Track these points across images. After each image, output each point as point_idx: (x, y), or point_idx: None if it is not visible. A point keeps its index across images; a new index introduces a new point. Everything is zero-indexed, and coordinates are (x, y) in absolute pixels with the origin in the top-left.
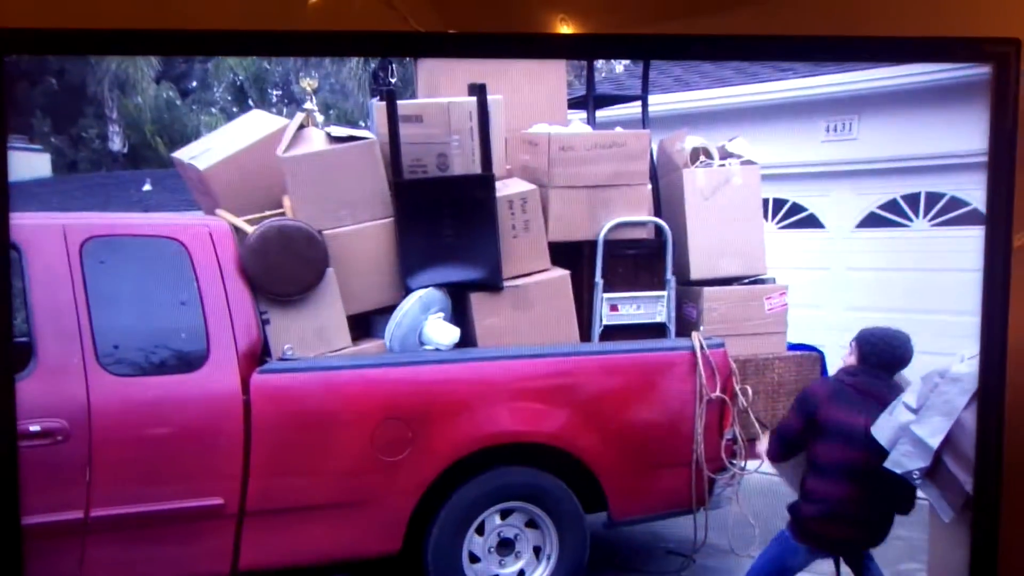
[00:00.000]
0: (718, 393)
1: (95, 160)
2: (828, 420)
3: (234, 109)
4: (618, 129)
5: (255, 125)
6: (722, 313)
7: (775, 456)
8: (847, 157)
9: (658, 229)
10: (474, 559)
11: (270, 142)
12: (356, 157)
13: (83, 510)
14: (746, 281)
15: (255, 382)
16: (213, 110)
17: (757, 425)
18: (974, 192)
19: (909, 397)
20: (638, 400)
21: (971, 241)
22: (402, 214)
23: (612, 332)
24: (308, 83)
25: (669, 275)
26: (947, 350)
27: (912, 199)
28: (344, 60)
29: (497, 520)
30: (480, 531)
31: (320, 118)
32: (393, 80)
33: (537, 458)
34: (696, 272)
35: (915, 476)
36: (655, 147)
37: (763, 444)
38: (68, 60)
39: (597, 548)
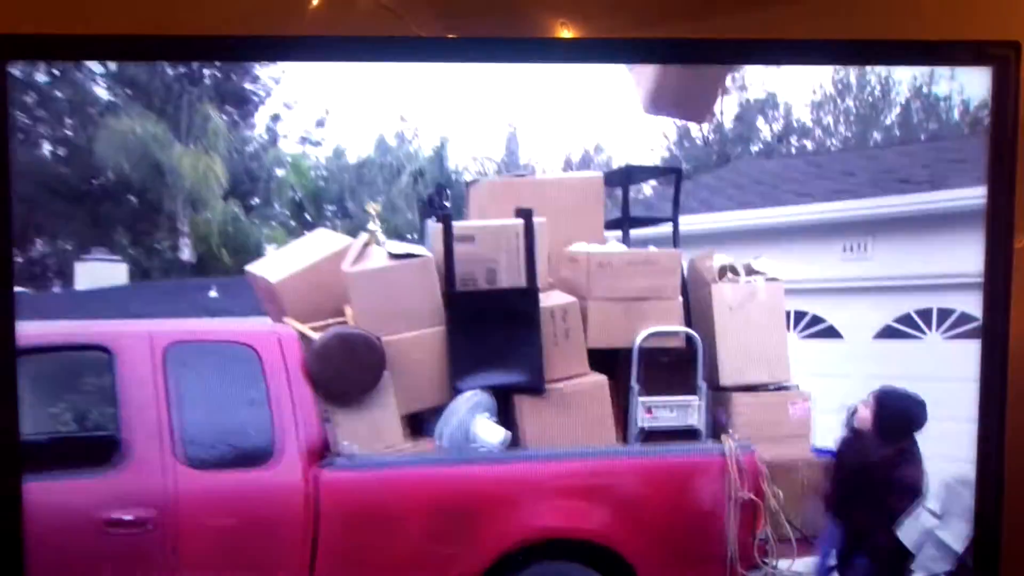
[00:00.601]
0: (749, 494)
1: (166, 268)
2: None
3: (292, 223)
4: (651, 248)
5: (320, 243)
6: (750, 418)
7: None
8: (864, 275)
9: (689, 338)
10: None
11: (334, 259)
12: (413, 273)
13: None
14: (772, 388)
15: (317, 477)
16: (273, 223)
17: (787, 526)
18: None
19: (932, 503)
20: (674, 499)
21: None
22: (453, 322)
23: (648, 434)
24: (373, 207)
25: (700, 381)
26: (961, 455)
27: (925, 314)
28: (395, 181)
29: None
30: None
31: (383, 238)
32: (448, 203)
33: (578, 552)
34: (725, 379)
35: None
36: (685, 264)
37: None
38: (148, 181)
39: None
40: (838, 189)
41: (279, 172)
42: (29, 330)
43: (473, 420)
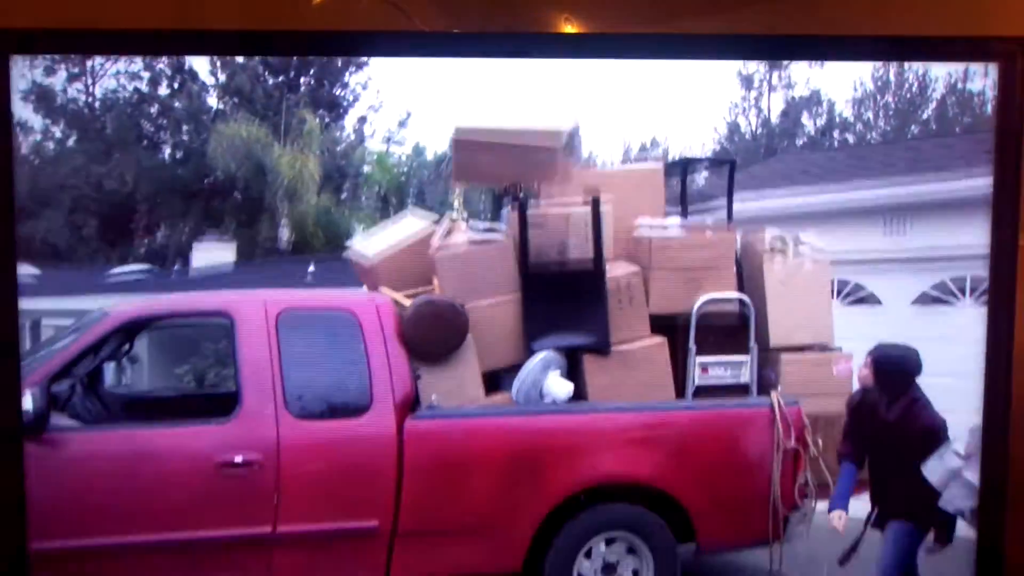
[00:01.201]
0: (793, 443)
1: (268, 250)
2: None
3: (377, 215)
4: (708, 221)
5: (411, 225)
6: (796, 376)
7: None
8: (902, 247)
9: (742, 304)
10: None
11: (423, 240)
12: (492, 256)
13: (272, 526)
14: (816, 349)
15: (408, 427)
16: (361, 215)
17: (826, 471)
18: None
19: (958, 445)
20: (725, 448)
21: None
22: (528, 291)
23: (703, 391)
24: (456, 195)
25: (752, 343)
26: None
27: (959, 281)
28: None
29: (602, 547)
30: (588, 556)
31: (464, 222)
32: (521, 191)
33: (637, 495)
34: (775, 340)
35: (966, 515)
36: (739, 238)
37: None
38: (251, 179)
39: (686, 573)
40: (880, 177)
41: (366, 168)
42: (164, 301)
43: (545, 377)
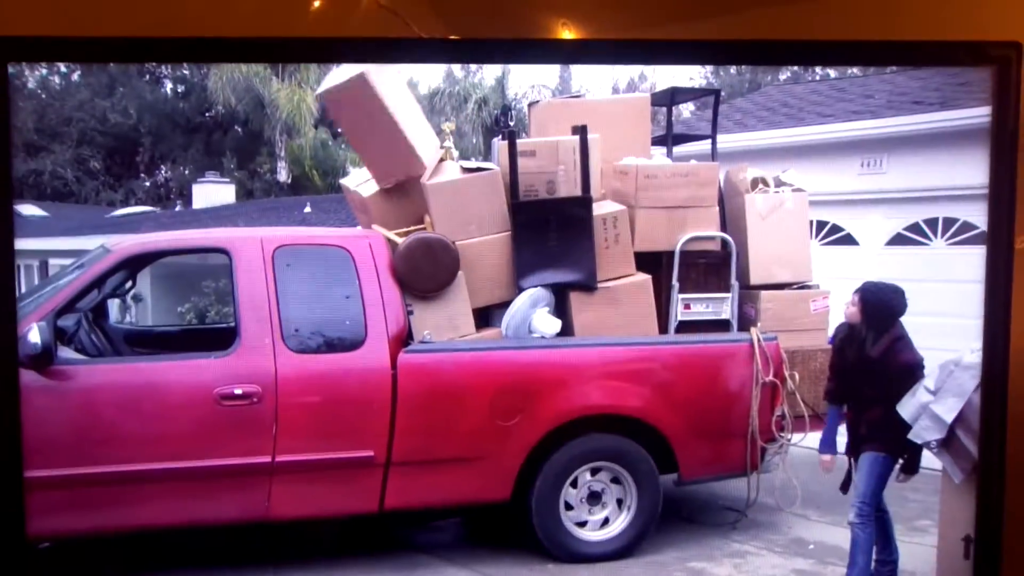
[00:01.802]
0: (771, 378)
1: (267, 189)
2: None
3: None
4: (692, 162)
5: None
6: (775, 312)
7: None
8: (878, 187)
9: (724, 242)
10: (568, 507)
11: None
12: (483, 184)
13: (271, 456)
14: (795, 286)
15: (401, 360)
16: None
17: (802, 404)
18: (983, 218)
19: (929, 381)
20: (705, 382)
21: (980, 258)
22: (517, 228)
23: (685, 326)
24: (447, 125)
25: (733, 280)
26: (960, 346)
27: (932, 223)
28: (463, 109)
29: (588, 476)
30: (574, 485)
31: (456, 153)
32: (512, 123)
33: (622, 427)
34: (755, 278)
35: (932, 446)
36: (722, 176)
37: None
38: (251, 113)
39: (667, 502)
40: (857, 110)
41: None
42: (164, 237)
43: (534, 313)
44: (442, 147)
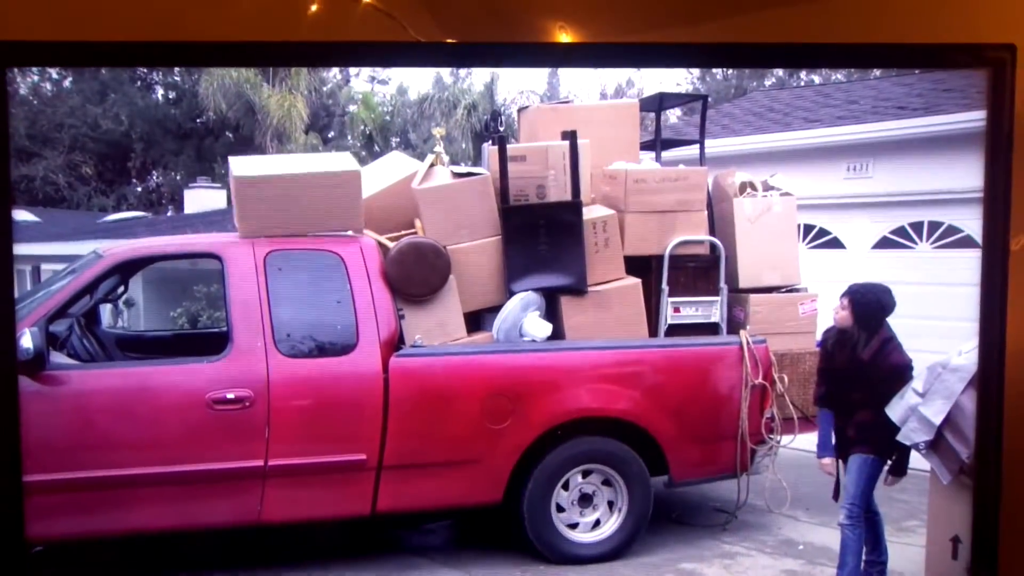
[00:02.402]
0: (760, 380)
1: None
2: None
3: (363, 153)
4: (681, 166)
5: (394, 166)
6: (764, 315)
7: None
8: (864, 192)
9: (713, 246)
10: (560, 509)
11: (406, 181)
12: (474, 188)
13: (263, 460)
14: (784, 290)
15: (392, 364)
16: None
17: (791, 407)
18: (967, 222)
19: (917, 383)
20: (695, 385)
21: (964, 261)
22: (508, 233)
23: (675, 329)
24: (438, 131)
25: (722, 284)
26: (945, 348)
27: (917, 227)
28: (452, 114)
29: (579, 479)
30: (566, 487)
31: (447, 158)
32: (502, 128)
33: (613, 430)
34: (744, 281)
35: (920, 447)
36: (711, 181)
37: None
38: (242, 119)
39: (658, 504)
40: (843, 116)
41: (352, 108)
42: (156, 243)
43: (525, 317)
44: (432, 152)
